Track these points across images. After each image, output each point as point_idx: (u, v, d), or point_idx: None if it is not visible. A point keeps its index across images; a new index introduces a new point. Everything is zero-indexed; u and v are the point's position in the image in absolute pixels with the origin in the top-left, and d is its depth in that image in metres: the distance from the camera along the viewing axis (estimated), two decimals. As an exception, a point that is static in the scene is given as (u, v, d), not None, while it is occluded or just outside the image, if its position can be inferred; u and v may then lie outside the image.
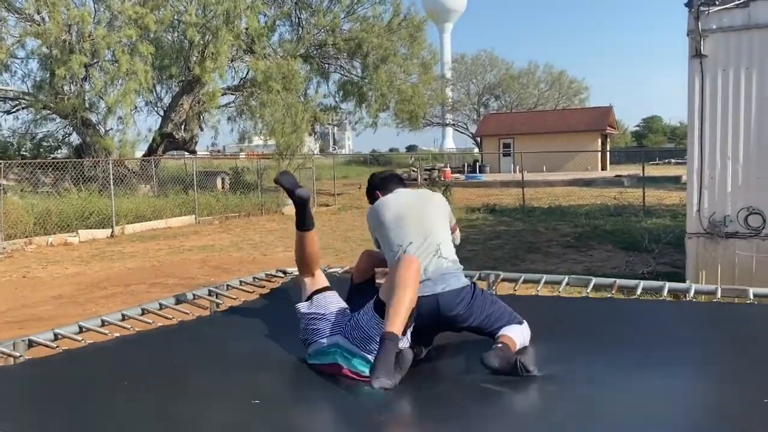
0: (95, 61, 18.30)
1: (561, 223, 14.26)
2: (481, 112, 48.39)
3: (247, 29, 20.39)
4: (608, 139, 40.03)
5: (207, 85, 19.91)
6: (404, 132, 31.21)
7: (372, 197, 3.37)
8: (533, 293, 3.99)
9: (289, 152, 18.35)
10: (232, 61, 21.75)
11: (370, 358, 2.63)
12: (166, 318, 3.58)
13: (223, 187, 21.23)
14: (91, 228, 13.54)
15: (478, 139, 43.52)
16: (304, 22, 22.94)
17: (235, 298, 3.97)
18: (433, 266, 2.89)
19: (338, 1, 21.43)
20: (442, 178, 28.33)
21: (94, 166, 18.21)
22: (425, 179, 21.96)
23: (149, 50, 18.14)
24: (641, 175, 19.53)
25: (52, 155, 21.88)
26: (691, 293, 3.75)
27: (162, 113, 22.10)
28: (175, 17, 19.53)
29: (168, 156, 23.92)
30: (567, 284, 4.06)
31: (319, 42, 22.62)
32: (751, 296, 3.62)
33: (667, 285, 3.86)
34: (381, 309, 2.69)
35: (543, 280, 4.10)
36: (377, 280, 3.42)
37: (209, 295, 3.97)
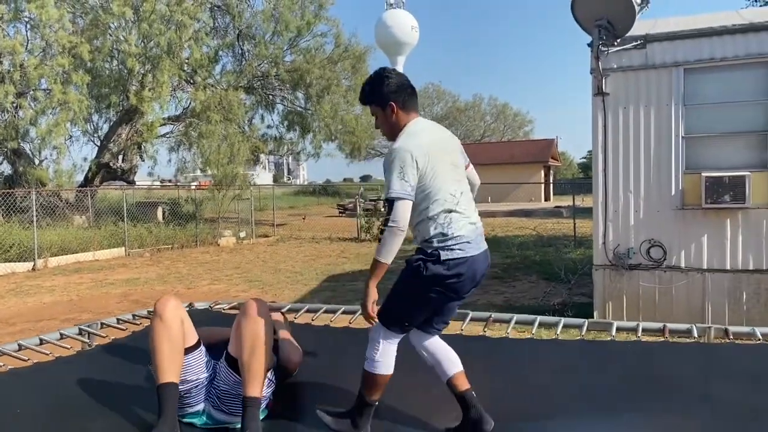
0: (27, 90, 17.87)
1: (494, 253, 14.33)
2: (429, 144, 49.04)
3: (188, 60, 20.32)
4: (551, 171, 41.01)
5: (146, 114, 19.67)
6: (356, 162, 31.38)
7: (381, 102, 2.73)
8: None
9: (226, 183, 18.15)
10: (173, 90, 21.58)
11: (234, 418, 2.60)
12: (44, 353, 3.52)
13: (164, 218, 20.85)
14: (10, 261, 13.04)
15: (427, 170, 44.05)
16: (247, 54, 23.00)
17: (105, 336, 3.88)
18: (477, 220, 2.70)
19: (280, 34, 21.54)
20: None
21: (26, 197, 17.67)
22: (368, 209, 21.99)
23: (84, 79, 17.81)
24: (580, 205, 20.07)
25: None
26: (559, 328, 3.83)
27: (99, 143, 21.66)
28: (115, 46, 19.30)
29: (107, 186, 23.39)
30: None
31: (263, 73, 22.67)
32: (614, 331, 3.72)
33: (539, 319, 3.95)
34: (233, 364, 2.63)
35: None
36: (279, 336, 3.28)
37: (79, 334, 3.88)
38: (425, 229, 2.58)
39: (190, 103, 21.85)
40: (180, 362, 2.53)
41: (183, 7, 18.14)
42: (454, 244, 2.55)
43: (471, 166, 2.92)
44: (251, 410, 2.49)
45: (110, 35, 19.21)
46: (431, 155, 2.60)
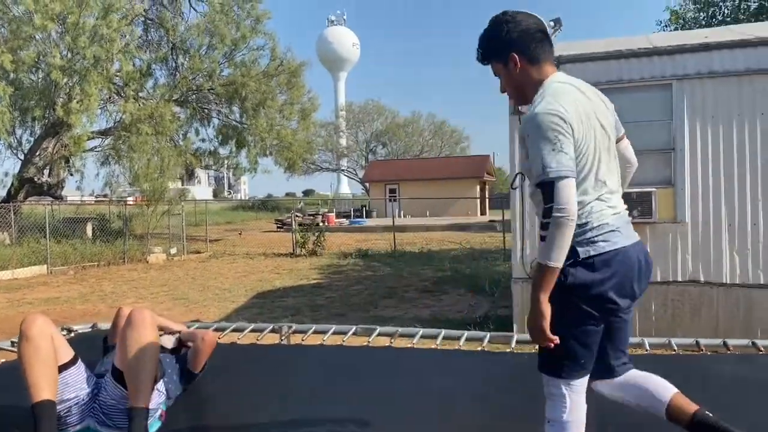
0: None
1: (426, 267, 14.62)
2: (369, 159, 49.36)
3: (119, 73, 19.82)
4: (487, 186, 41.88)
5: (74, 128, 19.03)
6: (295, 177, 31.17)
7: (499, 55, 2.15)
8: (319, 343, 4.03)
9: (156, 198, 17.73)
10: (104, 103, 20.98)
11: None
12: None
13: (93, 234, 20.15)
14: None
15: (367, 184, 44.27)
16: (181, 67, 22.62)
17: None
18: (624, 206, 2.15)
19: (215, 47, 21.31)
20: (325, 223, 28.43)
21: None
22: (306, 225, 21.88)
23: (6, 91, 17.13)
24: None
25: None
26: (462, 340, 3.91)
27: (23, 157, 20.79)
28: (40, 58, 18.64)
29: (33, 202, 22.45)
30: (354, 334, 4.14)
31: (198, 86, 22.33)
32: (513, 344, 3.83)
33: (444, 332, 4.03)
34: (120, 377, 2.56)
35: (332, 330, 4.16)
36: (163, 342, 3.25)
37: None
38: None
39: (120, 117, 21.32)
40: (54, 380, 2.45)
41: (108, 20, 17.69)
42: (595, 236, 1.99)
43: (626, 140, 2.33)
44: (137, 421, 2.44)
45: (34, 47, 18.57)
46: (585, 123, 2.01)
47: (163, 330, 3.16)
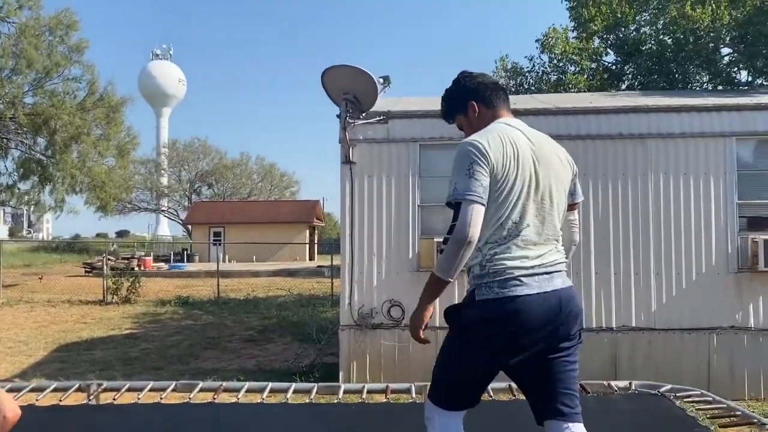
0: None
1: (251, 315, 14.21)
2: (193, 199, 47.47)
3: None
4: (316, 231, 42.19)
5: None
6: (110, 217, 28.81)
7: (461, 107, 2.30)
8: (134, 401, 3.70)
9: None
10: None
11: None
12: None
13: None
14: None
15: (189, 227, 42.39)
16: (-23, 90, 20.23)
17: None
18: (551, 257, 2.13)
19: (20, 72, 19.41)
20: (142, 267, 26.63)
21: None
22: (119, 269, 20.26)
23: None
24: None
25: None
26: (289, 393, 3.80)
27: None
28: None
29: None
30: (173, 390, 3.85)
31: (-1, 113, 20.08)
32: (341, 394, 3.79)
33: (270, 385, 3.89)
34: None
35: (148, 387, 3.85)
36: None
37: None
38: (470, 258, 2.09)
39: None
40: None
41: None
42: (493, 282, 2.05)
43: (575, 214, 2.40)
44: None
45: None
46: (513, 163, 2.07)
47: None
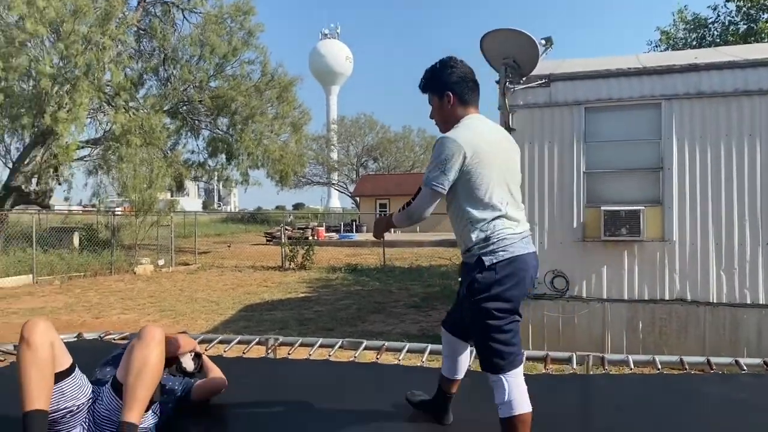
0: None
1: (415, 283, 14.59)
2: (360, 173, 49.38)
3: (110, 82, 19.76)
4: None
5: (62, 137, 18.92)
6: (286, 191, 31.14)
7: (439, 90, 2.61)
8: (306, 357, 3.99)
9: (144, 209, 17.63)
10: (94, 113, 20.90)
11: None
12: None
13: (80, 244, 19.97)
14: None
15: (357, 199, 44.26)
16: (172, 78, 22.59)
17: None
18: (524, 227, 2.55)
19: (206, 59, 21.32)
20: (315, 237, 28.36)
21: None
22: (295, 238, 21.82)
23: (-3, 98, 17.04)
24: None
25: None
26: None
27: (11, 165, 20.64)
28: (32, 66, 18.56)
29: (20, 210, 22.25)
30: (340, 347, 4.10)
31: (188, 98, 22.30)
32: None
33: (429, 347, 4.00)
34: (119, 389, 2.54)
35: (318, 343, 4.13)
36: (181, 358, 3.22)
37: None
38: (467, 237, 2.47)
39: (110, 126, 21.24)
40: (49, 388, 2.40)
41: (104, 29, 17.68)
42: (496, 248, 2.42)
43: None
44: None
45: (26, 54, 18.49)
46: (483, 153, 2.44)
47: (183, 351, 3.14)
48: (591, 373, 3.68)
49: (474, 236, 2.45)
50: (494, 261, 2.40)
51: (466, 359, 2.90)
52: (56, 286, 14.67)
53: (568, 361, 3.72)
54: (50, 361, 2.44)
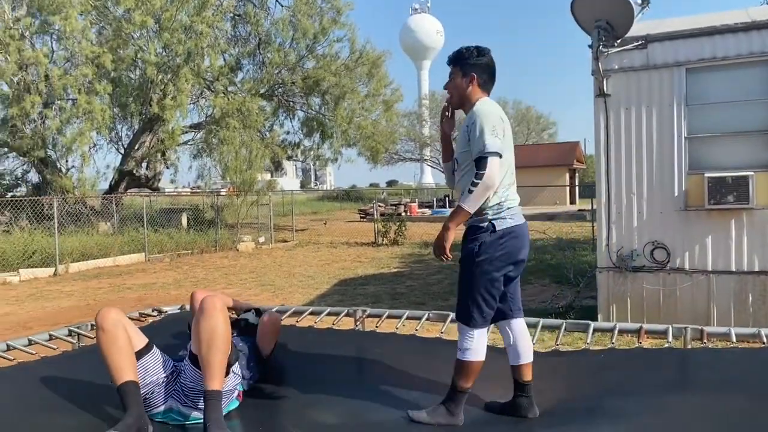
0: (53, 100, 18.33)
1: (509, 257, 14.37)
2: (453, 148, 48.89)
3: (209, 68, 20.66)
4: (576, 174, 40.58)
5: (167, 122, 20.03)
6: (379, 168, 31.59)
7: (466, 68, 2.87)
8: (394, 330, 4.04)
9: (245, 189, 18.40)
10: (196, 98, 21.96)
11: (200, 414, 2.66)
12: (30, 354, 3.63)
13: (188, 224, 21.22)
14: (33, 267, 13.40)
15: (450, 174, 43.95)
16: (267, 61, 23.26)
17: (93, 338, 3.98)
18: (518, 199, 2.86)
19: (298, 41, 21.76)
20: (408, 213, 28.52)
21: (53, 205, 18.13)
22: (388, 214, 22.04)
23: (107, 89, 18.23)
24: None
25: (11, 193, 21.74)
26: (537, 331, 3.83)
27: (123, 151, 22.12)
28: (138, 56, 19.70)
29: (133, 193, 23.85)
30: (427, 319, 4.13)
31: (283, 80, 22.91)
32: (589, 338, 3.69)
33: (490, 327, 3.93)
34: (196, 360, 2.71)
35: (405, 315, 4.17)
36: (250, 320, 3.45)
37: (69, 335, 3.98)
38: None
39: (211, 111, 22.24)
40: (133, 364, 2.61)
41: (203, 17, 18.43)
42: (507, 215, 2.73)
43: None
44: (212, 403, 2.57)
45: (132, 45, 19.63)
46: (507, 129, 2.80)
47: (239, 309, 3.34)
48: (689, 347, 3.50)
49: (494, 201, 2.71)
50: (503, 227, 2.71)
51: (526, 340, 2.95)
52: (166, 263, 15.67)
53: (664, 333, 3.56)
54: (128, 341, 2.65)
